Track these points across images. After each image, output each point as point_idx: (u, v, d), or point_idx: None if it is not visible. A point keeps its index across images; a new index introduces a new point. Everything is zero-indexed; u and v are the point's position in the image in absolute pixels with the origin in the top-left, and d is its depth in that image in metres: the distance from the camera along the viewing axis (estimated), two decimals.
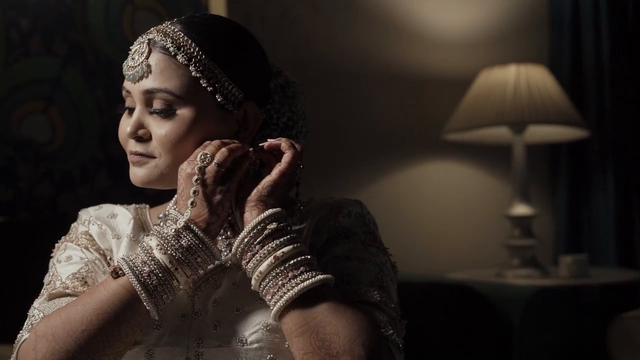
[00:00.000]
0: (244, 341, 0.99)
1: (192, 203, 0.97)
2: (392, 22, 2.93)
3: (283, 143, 1.03)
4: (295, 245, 0.96)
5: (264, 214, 0.96)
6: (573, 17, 3.02)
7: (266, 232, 0.96)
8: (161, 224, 0.99)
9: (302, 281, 0.93)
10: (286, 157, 1.01)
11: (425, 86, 2.95)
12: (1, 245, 2.15)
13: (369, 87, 2.89)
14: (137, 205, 1.18)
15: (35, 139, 2.34)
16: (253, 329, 0.99)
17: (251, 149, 1.02)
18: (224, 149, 0.99)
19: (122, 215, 1.15)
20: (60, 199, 2.36)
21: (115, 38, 2.44)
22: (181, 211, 0.98)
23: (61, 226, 2.26)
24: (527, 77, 2.64)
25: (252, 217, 0.97)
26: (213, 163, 0.98)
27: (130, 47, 1.06)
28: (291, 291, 0.93)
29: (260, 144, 1.04)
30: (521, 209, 2.68)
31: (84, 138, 2.40)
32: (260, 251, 0.95)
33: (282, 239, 0.95)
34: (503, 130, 2.75)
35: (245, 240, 0.96)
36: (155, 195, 2.27)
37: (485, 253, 2.97)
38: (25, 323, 1.02)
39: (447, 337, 2.29)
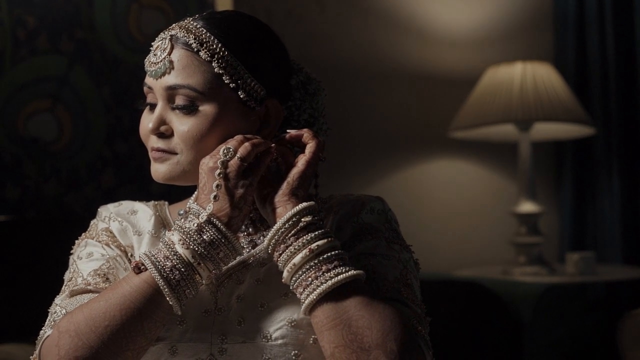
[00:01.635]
0: (269, 337, 0.99)
1: (214, 197, 0.96)
2: (398, 20, 2.93)
3: (306, 133, 1.03)
4: (329, 239, 0.96)
5: (299, 206, 0.97)
6: (578, 14, 3.02)
7: (301, 224, 0.96)
8: (182, 219, 0.99)
9: (336, 275, 0.93)
10: (310, 147, 1.02)
11: (431, 84, 2.95)
12: (8, 244, 2.14)
13: (375, 85, 2.89)
14: (156, 202, 1.18)
15: (41, 137, 2.34)
16: (277, 325, 0.99)
17: (273, 144, 1.02)
18: (247, 144, 0.99)
19: (143, 212, 1.14)
20: (67, 197, 2.36)
21: (122, 36, 2.44)
22: (203, 205, 0.97)
23: (68, 224, 2.27)
24: (533, 75, 2.64)
25: (286, 210, 0.97)
26: (236, 157, 0.98)
27: (152, 44, 1.06)
28: (324, 284, 0.93)
29: (282, 135, 1.05)
30: (527, 207, 2.68)
31: (90, 136, 2.40)
32: (295, 243, 0.95)
33: (316, 232, 0.96)
34: (509, 127, 2.75)
35: (280, 231, 0.96)
36: (162, 194, 2.28)
37: (492, 250, 2.97)
38: (47, 320, 1.02)
39: (457, 333, 2.29)
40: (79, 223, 1.26)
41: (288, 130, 1.05)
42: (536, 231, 2.68)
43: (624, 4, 2.94)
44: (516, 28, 3.07)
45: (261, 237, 1.09)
